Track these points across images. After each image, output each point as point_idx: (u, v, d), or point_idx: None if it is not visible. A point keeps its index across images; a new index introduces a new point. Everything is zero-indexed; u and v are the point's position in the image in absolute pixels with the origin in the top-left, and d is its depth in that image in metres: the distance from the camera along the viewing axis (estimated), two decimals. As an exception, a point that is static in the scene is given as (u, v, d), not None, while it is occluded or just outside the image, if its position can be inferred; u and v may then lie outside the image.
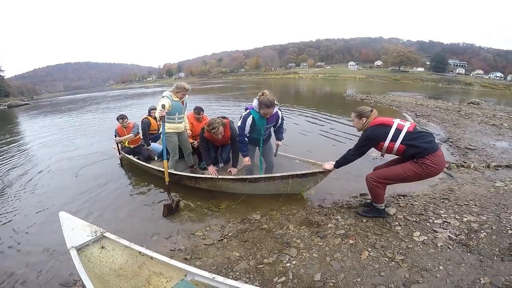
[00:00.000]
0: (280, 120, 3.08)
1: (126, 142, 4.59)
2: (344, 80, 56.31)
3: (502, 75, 68.62)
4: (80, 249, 1.52)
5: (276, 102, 2.77)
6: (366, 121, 2.28)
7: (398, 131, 2.16)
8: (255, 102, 2.80)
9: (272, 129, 3.20)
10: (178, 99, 3.41)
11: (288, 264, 1.93)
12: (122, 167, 4.61)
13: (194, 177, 3.36)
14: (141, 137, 4.70)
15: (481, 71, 73.69)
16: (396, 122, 2.21)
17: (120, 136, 4.50)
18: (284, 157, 3.60)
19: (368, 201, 2.69)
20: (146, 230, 2.66)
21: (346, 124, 7.42)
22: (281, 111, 3.04)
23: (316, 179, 2.81)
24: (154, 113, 5.05)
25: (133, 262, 1.51)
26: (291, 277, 1.81)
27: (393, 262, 1.90)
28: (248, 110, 2.91)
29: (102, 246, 1.59)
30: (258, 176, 2.96)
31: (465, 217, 2.41)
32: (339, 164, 2.49)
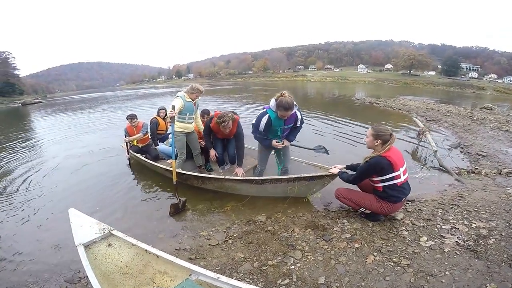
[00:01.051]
0: (299, 122, 2.91)
1: (135, 141, 4.69)
2: (353, 83, 55.81)
3: (517, 80, 66.56)
4: (87, 246, 1.56)
5: (295, 103, 2.67)
6: (381, 146, 2.23)
7: (393, 177, 2.23)
8: (272, 102, 2.69)
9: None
10: (190, 100, 3.47)
11: (293, 267, 1.93)
12: (130, 166, 4.69)
13: (201, 177, 3.38)
14: (149, 137, 4.80)
15: (494, 75, 71.63)
16: (401, 170, 2.25)
17: (129, 135, 4.59)
18: (291, 160, 3.60)
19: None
20: (153, 229, 2.71)
21: (351, 126, 7.37)
22: (300, 113, 2.87)
23: (323, 183, 2.80)
24: (163, 113, 5.19)
25: (138, 261, 1.54)
26: (295, 280, 1.80)
27: (398, 267, 1.88)
28: (264, 109, 2.81)
29: (109, 244, 1.63)
30: (265, 177, 2.96)
31: (474, 223, 2.37)
32: (343, 178, 2.50)
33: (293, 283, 1.78)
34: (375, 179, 2.31)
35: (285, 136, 3.00)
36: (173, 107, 3.13)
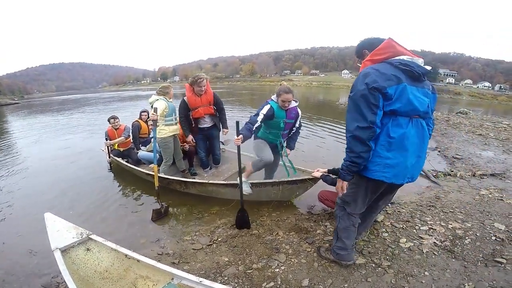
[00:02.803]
0: (298, 122, 2.85)
1: (116, 145, 4.51)
2: (338, 88, 57.18)
3: (490, 85, 70.78)
4: (64, 250, 1.50)
5: (295, 100, 2.67)
6: None
7: None
8: (274, 96, 2.65)
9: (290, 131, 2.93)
10: (171, 100, 3.45)
11: (277, 270, 1.93)
12: (111, 170, 4.53)
13: (184, 181, 3.33)
14: (131, 140, 4.67)
15: (469, 81, 75.91)
16: None
17: (110, 139, 4.42)
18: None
19: None
20: (134, 234, 2.63)
21: (335, 129, 7.55)
22: (299, 110, 2.81)
23: (306, 186, 2.84)
24: (145, 116, 5.04)
25: (119, 265, 1.49)
26: (279, 283, 1.81)
27: (379, 268, 1.92)
28: (267, 101, 2.68)
29: (88, 248, 1.57)
30: (249, 182, 2.96)
31: (451, 224, 2.47)
32: (326, 181, 2.51)
33: (278, 286, 1.78)
34: None
35: (287, 138, 2.94)
36: (155, 110, 3.05)
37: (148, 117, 5.16)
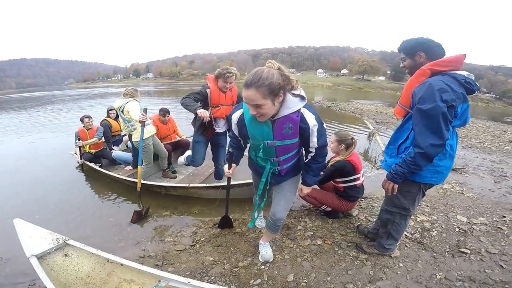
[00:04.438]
0: (315, 137, 1.44)
1: (87, 147, 4.20)
2: (313, 87, 58.70)
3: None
4: (41, 257, 1.40)
5: (296, 91, 1.36)
6: (345, 150, 2.41)
7: (354, 179, 2.44)
8: None
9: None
10: (139, 101, 3.39)
11: (263, 267, 1.97)
12: (83, 171, 4.26)
13: (165, 186, 3.26)
14: (103, 141, 4.42)
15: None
16: (361, 173, 2.45)
17: (82, 140, 4.12)
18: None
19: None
20: (112, 237, 2.53)
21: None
22: (316, 117, 1.41)
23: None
24: (113, 114, 4.85)
25: (100, 270, 1.43)
26: (266, 279, 1.85)
27: (358, 261, 2.02)
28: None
29: (66, 254, 1.48)
30: (232, 183, 2.87)
31: (419, 217, 2.66)
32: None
33: (265, 283, 1.82)
34: (338, 180, 2.48)
35: (283, 176, 1.71)
36: (145, 110, 2.98)
37: (117, 116, 4.98)
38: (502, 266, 1.94)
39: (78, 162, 4.27)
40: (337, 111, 12.67)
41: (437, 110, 1.31)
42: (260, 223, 2.53)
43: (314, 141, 1.46)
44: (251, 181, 2.64)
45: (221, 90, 2.73)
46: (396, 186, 1.60)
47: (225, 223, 2.53)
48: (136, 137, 3.33)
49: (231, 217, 2.55)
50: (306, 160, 1.66)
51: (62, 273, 1.37)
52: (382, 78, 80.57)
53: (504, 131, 8.02)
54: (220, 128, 2.90)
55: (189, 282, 1.26)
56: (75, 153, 4.30)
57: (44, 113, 12.41)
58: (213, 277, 1.85)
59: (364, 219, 2.66)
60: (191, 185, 3.10)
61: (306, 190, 1.79)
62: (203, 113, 2.48)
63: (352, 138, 2.42)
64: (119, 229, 2.66)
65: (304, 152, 1.67)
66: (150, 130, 3.41)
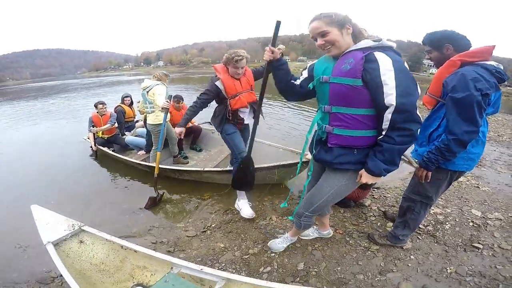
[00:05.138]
0: (391, 88, 1.10)
1: (100, 133, 4.31)
2: (325, 75, 57.19)
3: (471, 75, 73.77)
4: (57, 244, 1.44)
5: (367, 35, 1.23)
6: None
7: None
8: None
9: None
10: (167, 86, 3.39)
11: (273, 254, 1.98)
12: (97, 158, 4.35)
13: (180, 170, 3.28)
14: (116, 127, 4.51)
15: (451, 71, 78.60)
16: None
17: (95, 126, 4.22)
18: (268, 145, 3.62)
19: None
20: (125, 223, 2.59)
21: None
22: (395, 62, 1.11)
23: (300, 169, 2.90)
24: (128, 101, 4.97)
25: (114, 256, 1.47)
26: (276, 267, 1.86)
27: (369, 252, 2.00)
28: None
29: (81, 241, 1.52)
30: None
31: (432, 209, 2.57)
32: None
33: (275, 270, 1.83)
34: None
35: (341, 144, 1.30)
36: (170, 97, 2.99)
37: (132, 103, 5.06)
38: None
39: (91, 148, 4.37)
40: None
41: (471, 98, 1.31)
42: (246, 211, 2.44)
43: (389, 95, 1.09)
44: (264, 165, 2.68)
45: (234, 78, 2.39)
46: (430, 173, 1.58)
47: (245, 180, 2.16)
48: (151, 120, 3.35)
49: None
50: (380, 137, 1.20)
51: (77, 260, 1.41)
52: (392, 65, 78.00)
53: (526, 124, 7.59)
54: (247, 118, 2.56)
55: (201, 269, 1.27)
56: (88, 138, 4.40)
57: (58, 101, 12.77)
58: (223, 264, 1.87)
59: (377, 210, 2.61)
60: (205, 169, 3.10)
61: (366, 178, 1.26)
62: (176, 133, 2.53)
63: None
64: (132, 215, 2.73)
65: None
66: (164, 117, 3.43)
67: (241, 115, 2.51)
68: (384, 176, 1.24)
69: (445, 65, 1.47)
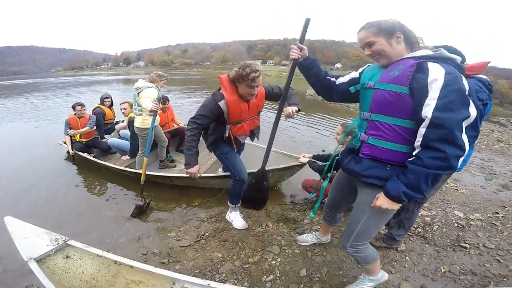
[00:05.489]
0: (433, 98, 0.98)
1: (78, 136, 3.98)
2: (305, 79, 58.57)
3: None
4: (40, 260, 1.29)
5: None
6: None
7: None
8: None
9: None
10: (159, 89, 3.25)
11: (273, 262, 1.93)
12: (74, 162, 3.99)
13: (171, 177, 3.13)
14: (95, 130, 4.22)
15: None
16: None
17: (72, 129, 3.89)
18: (261, 148, 3.57)
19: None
20: (110, 233, 2.39)
21: (306, 120, 7.74)
22: (447, 74, 0.99)
23: (293, 172, 2.92)
24: (108, 102, 4.72)
25: (106, 271, 1.33)
26: (278, 275, 1.81)
27: (367, 255, 2.03)
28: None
29: (67, 256, 1.36)
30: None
31: (420, 212, 2.66)
32: (313, 168, 2.54)
33: (278, 278, 1.78)
34: None
35: (374, 155, 1.19)
36: (159, 99, 2.90)
37: (111, 104, 4.87)
38: (499, 261, 2.01)
39: (68, 152, 4.03)
40: (331, 104, 12.62)
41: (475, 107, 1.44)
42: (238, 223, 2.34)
43: (427, 106, 0.97)
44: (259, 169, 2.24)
45: (242, 99, 1.94)
46: None
47: (257, 199, 2.02)
48: (138, 123, 3.21)
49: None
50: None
51: (65, 276, 1.26)
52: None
53: (492, 130, 8.24)
54: (243, 138, 2.34)
55: (208, 285, 1.17)
56: (65, 143, 4.06)
57: (29, 100, 11.84)
58: (224, 275, 1.79)
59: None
60: (201, 174, 2.95)
61: (382, 201, 1.11)
62: (192, 174, 2.00)
63: None
64: (117, 224, 2.54)
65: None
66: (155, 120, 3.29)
67: (239, 139, 2.22)
68: (404, 201, 1.08)
69: None
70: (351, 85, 1.34)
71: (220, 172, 3.17)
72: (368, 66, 1.34)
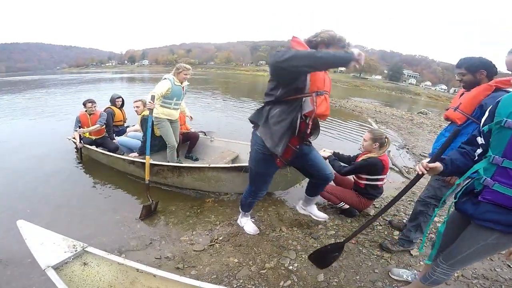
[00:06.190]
0: None
1: (87, 133, 3.98)
2: (311, 82, 58.15)
3: (446, 88, 77.87)
4: (57, 267, 1.25)
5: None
6: (378, 148, 2.37)
7: (379, 179, 2.42)
8: None
9: None
10: (179, 84, 3.16)
11: (290, 267, 1.90)
12: (82, 163, 3.96)
13: (179, 167, 2.93)
14: (105, 129, 4.19)
15: (429, 83, 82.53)
16: (387, 175, 2.47)
17: (83, 126, 3.87)
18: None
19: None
20: (122, 236, 2.34)
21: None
22: None
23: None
24: (119, 102, 4.64)
25: (124, 278, 1.30)
26: (296, 280, 1.79)
27: (382, 259, 2.03)
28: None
29: (85, 263, 1.33)
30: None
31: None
32: (333, 166, 2.50)
33: (296, 284, 1.76)
34: (363, 176, 2.44)
35: (499, 201, 1.07)
36: (152, 98, 2.78)
37: (123, 105, 4.80)
38: (509, 266, 2.04)
39: (76, 149, 3.99)
40: (336, 108, 12.56)
41: None
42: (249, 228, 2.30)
43: None
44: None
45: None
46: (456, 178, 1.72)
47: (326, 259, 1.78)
48: (155, 112, 3.07)
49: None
50: None
51: (82, 284, 1.23)
52: (379, 77, 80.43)
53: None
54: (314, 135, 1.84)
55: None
56: (74, 138, 3.99)
57: (36, 96, 11.84)
58: (241, 281, 1.75)
59: (381, 219, 2.62)
60: (211, 165, 2.82)
61: None
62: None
63: (386, 138, 2.40)
64: (128, 227, 2.49)
65: None
66: (166, 113, 3.21)
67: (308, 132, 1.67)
68: None
69: (482, 88, 1.63)
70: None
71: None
72: (507, 94, 1.06)
